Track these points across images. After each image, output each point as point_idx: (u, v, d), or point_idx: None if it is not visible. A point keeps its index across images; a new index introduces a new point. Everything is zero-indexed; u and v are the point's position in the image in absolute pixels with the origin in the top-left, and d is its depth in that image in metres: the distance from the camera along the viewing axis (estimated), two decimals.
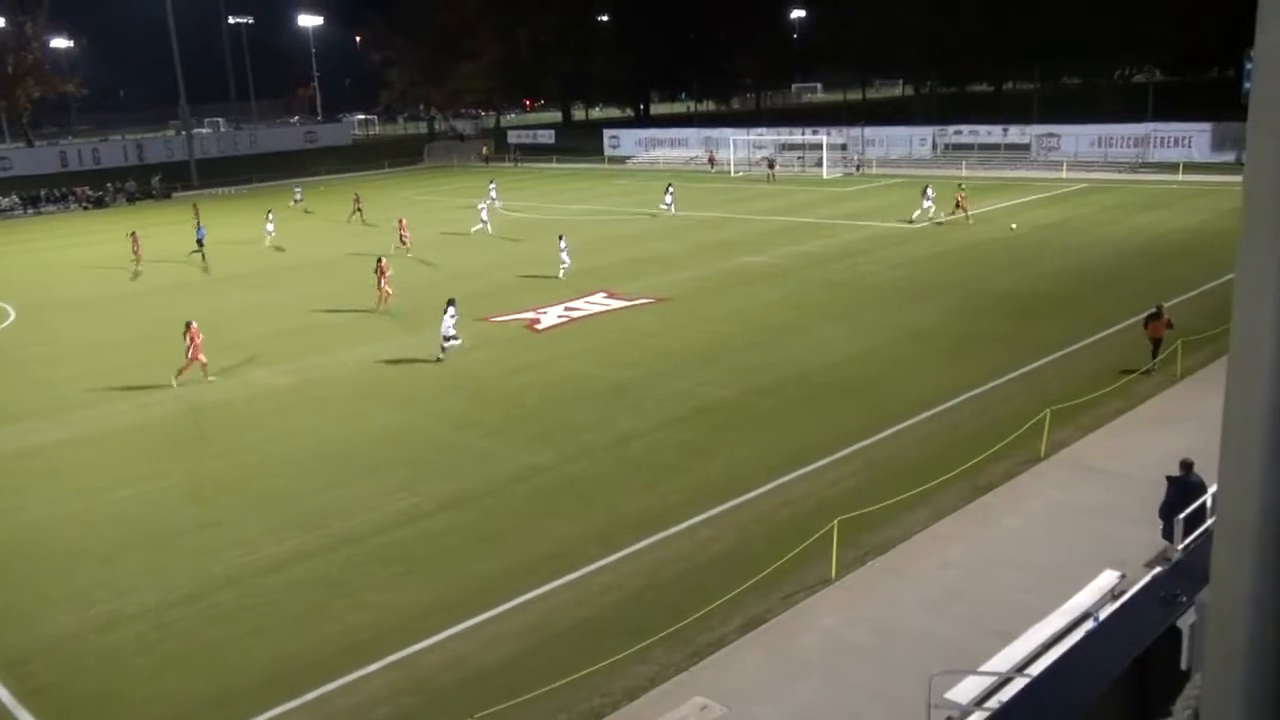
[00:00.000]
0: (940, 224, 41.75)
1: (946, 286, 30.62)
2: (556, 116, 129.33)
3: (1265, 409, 1.43)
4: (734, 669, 11.96)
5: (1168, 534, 12.61)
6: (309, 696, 11.76)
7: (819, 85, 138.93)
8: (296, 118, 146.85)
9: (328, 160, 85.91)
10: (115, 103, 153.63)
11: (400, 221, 42.39)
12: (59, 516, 17.17)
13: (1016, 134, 65.09)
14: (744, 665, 12.04)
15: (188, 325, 24.21)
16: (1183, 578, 2.61)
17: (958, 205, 42.29)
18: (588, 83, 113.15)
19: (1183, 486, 12.67)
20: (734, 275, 34.00)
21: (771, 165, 65.35)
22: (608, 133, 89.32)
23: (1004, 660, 10.39)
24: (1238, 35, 59.50)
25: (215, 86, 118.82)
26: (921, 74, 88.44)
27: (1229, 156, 55.38)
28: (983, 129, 67.17)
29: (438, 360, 24.98)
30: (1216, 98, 67.04)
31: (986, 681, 9.90)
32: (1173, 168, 54.73)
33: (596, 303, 30.78)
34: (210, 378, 24.30)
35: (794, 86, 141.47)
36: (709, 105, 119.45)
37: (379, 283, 31.09)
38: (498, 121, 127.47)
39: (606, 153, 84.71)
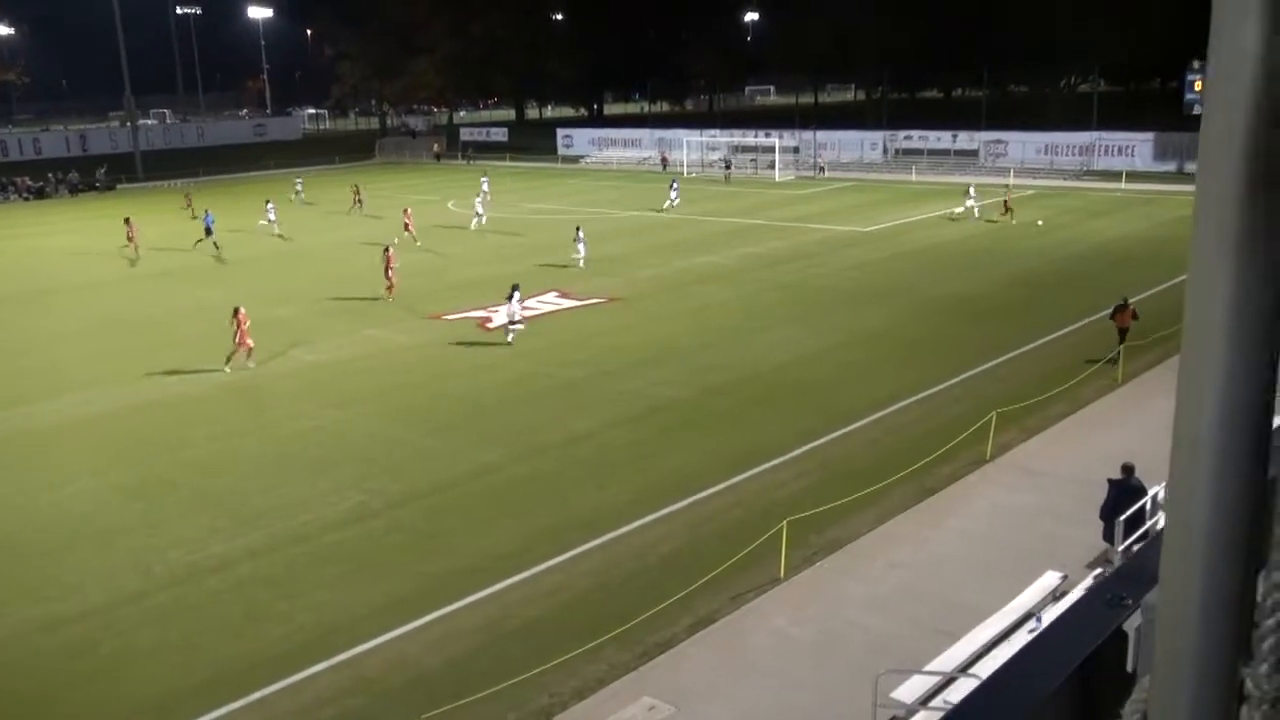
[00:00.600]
0: (992, 221, 42.86)
1: (897, 290, 30.95)
2: (510, 114, 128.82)
3: (1215, 411, 1.46)
4: (683, 669, 12.00)
5: (1108, 536, 12.85)
6: (252, 698, 11.60)
7: (772, 88, 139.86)
8: (245, 111, 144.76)
9: (277, 154, 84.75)
10: (58, 92, 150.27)
11: (405, 211, 42.76)
12: (0, 512, 16.79)
13: (965, 140, 65.93)
14: (693, 665, 12.08)
15: (235, 310, 24.23)
16: (1128, 581, 2.65)
17: (1005, 205, 43.44)
18: (541, 81, 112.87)
19: (1123, 489, 12.91)
20: (687, 275, 34.07)
21: (728, 166, 65.73)
22: (561, 132, 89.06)
23: (949, 660, 10.52)
24: (1181, 48, 60.85)
25: (162, 78, 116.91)
26: (873, 79, 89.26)
27: (1171, 166, 56.57)
28: (933, 134, 67.92)
29: (508, 343, 25.56)
30: (1159, 108, 68.54)
31: (931, 681, 10.01)
32: (1116, 176, 55.78)
33: (548, 302, 30.69)
34: (250, 364, 24.30)
35: (747, 89, 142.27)
36: (663, 106, 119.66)
37: (386, 272, 31.10)
38: (450, 118, 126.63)
39: (560, 152, 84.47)
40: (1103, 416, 19.91)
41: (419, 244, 39.67)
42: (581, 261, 35.07)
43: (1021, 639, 10.66)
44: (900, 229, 42.48)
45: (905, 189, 57.13)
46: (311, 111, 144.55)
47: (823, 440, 18.83)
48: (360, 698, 11.64)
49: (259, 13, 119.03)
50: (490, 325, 28.01)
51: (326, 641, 12.66)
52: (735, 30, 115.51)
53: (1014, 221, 42.24)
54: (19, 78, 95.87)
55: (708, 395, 21.65)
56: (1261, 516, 1.47)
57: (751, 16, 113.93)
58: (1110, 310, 23.42)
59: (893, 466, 16.86)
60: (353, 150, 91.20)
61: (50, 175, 69.75)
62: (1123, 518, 12.35)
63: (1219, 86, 1.40)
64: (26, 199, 66.52)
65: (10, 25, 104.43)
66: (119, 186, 70.72)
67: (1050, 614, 11.01)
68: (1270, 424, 1.49)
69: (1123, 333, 22.81)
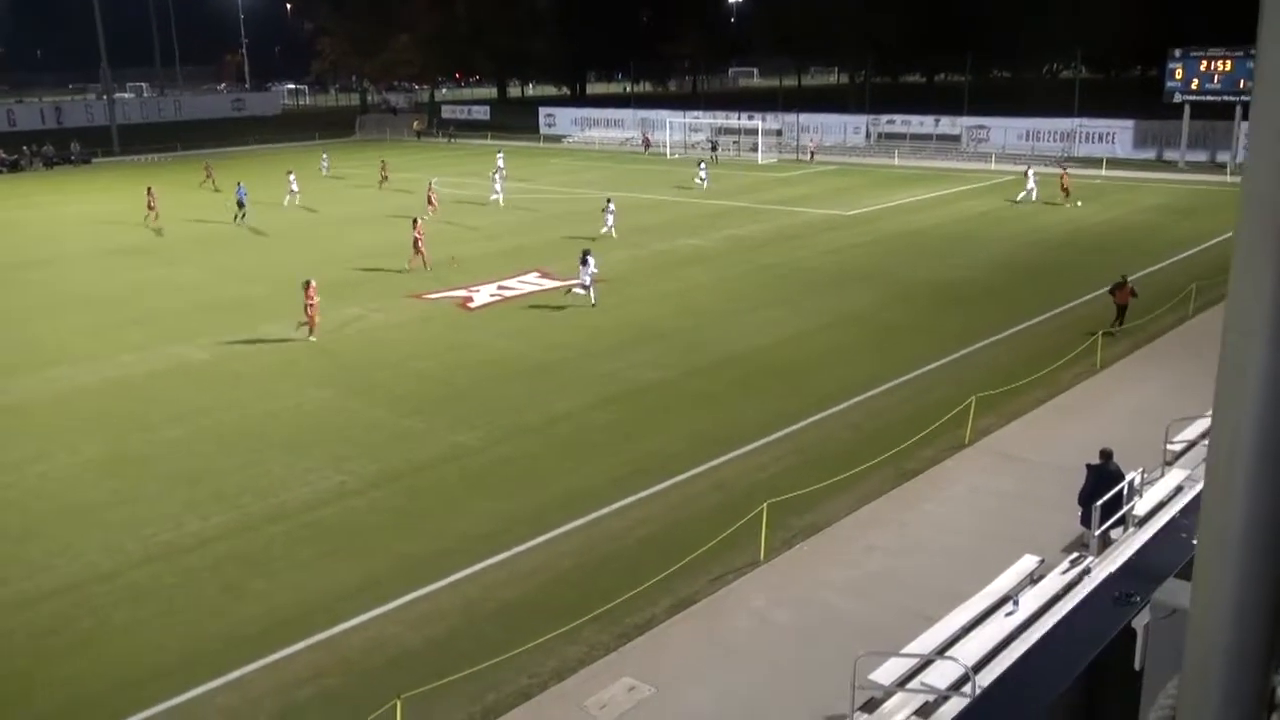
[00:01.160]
0: (1051, 204, 42.89)
1: (879, 274, 31.00)
2: (491, 92, 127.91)
3: (1254, 415, 1.44)
4: (663, 650, 12.02)
5: (1085, 520, 12.93)
6: (229, 677, 11.53)
7: (755, 70, 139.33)
8: (224, 85, 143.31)
9: (256, 130, 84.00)
10: (33, 64, 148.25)
11: (430, 184, 43.55)
12: None
13: (948, 125, 66.01)
14: (672, 646, 12.10)
15: (306, 284, 24.45)
16: (1136, 577, 2.65)
17: (1062, 187, 43.54)
18: (524, 59, 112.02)
19: (1101, 474, 12.99)
20: (668, 257, 34.02)
21: (714, 148, 65.60)
22: (543, 111, 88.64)
23: (926, 642, 10.56)
24: (1161, 36, 61.02)
25: (139, 50, 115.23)
26: (856, 62, 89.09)
27: (1150, 153, 56.89)
28: (915, 119, 67.95)
29: (565, 297, 27.07)
30: (1140, 95, 68.76)
31: (909, 663, 10.06)
32: (1097, 162, 55.99)
33: (530, 282, 30.58)
34: (311, 338, 24.38)
35: (730, 71, 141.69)
36: (645, 87, 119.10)
37: (416, 243, 31.51)
38: (432, 96, 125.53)
39: (542, 131, 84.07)
40: (1080, 402, 20.03)
41: (429, 218, 39.65)
42: (613, 232, 36.38)
43: (999, 622, 10.73)
44: (882, 213, 42.52)
45: (888, 173, 57.18)
46: (291, 87, 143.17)
47: (803, 423, 18.86)
48: (339, 677, 11.60)
49: None
50: (471, 305, 27.89)
51: (305, 620, 12.59)
52: (719, 12, 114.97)
53: (1078, 204, 42.56)
54: None
55: (689, 377, 21.64)
56: None
57: None
58: (1110, 286, 24.52)
59: (872, 450, 16.92)
60: (333, 127, 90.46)
61: (25, 148, 68.82)
62: (1099, 503, 12.43)
63: (1266, 95, 1.37)
64: (0, 172, 65.66)
65: None
66: (94, 160, 69.90)
67: (1028, 598, 11.09)
68: None
69: (1121, 309, 23.99)
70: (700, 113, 75.68)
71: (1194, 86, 52.44)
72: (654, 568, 13.22)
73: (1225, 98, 52.02)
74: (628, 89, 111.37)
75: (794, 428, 18.67)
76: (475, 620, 12.70)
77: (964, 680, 9.21)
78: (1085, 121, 61.02)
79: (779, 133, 68.63)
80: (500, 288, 29.81)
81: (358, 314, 27.01)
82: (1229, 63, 51.34)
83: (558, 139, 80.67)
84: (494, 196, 45.67)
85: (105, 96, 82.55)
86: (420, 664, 11.58)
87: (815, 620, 12.55)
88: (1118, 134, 59.45)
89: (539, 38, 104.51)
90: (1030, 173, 45.35)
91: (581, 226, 40.13)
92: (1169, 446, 15.11)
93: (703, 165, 53.22)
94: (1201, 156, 55.04)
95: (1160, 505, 13.18)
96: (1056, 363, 21.41)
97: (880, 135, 68.58)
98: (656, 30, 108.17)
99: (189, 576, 13.79)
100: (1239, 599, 1.45)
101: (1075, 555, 12.38)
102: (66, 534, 15.00)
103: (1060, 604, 10.80)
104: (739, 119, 70.45)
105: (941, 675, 9.70)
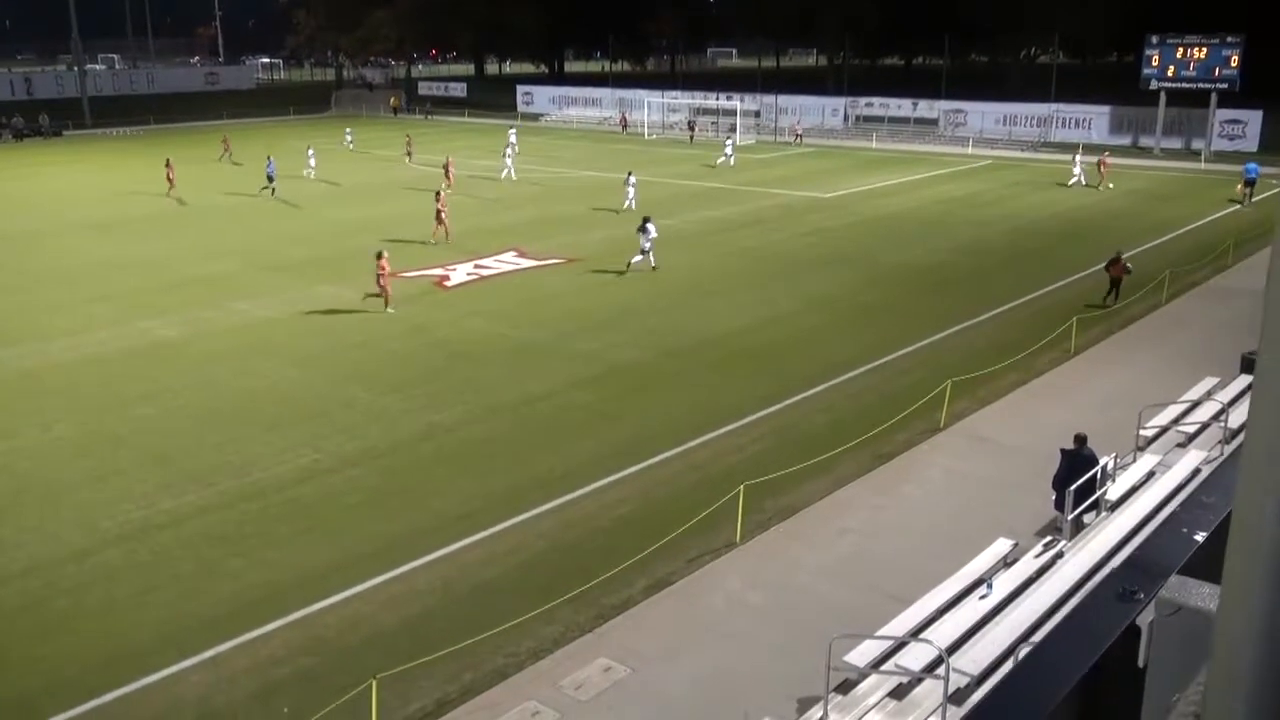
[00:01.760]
0: (1092, 188, 43.39)
1: (855, 257, 31.07)
2: (469, 69, 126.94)
3: None
4: (639, 630, 12.06)
5: (1059, 504, 13.06)
6: (204, 656, 11.48)
7: (734, 51, 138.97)
8: (197, 58, 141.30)
9: (230, 104, 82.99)
10: (2, 34, 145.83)
11: (448, 159, 44.33)
12: None
13: (925, 109, 66.09)
14: (649, 627, 12.15)
15: (379, 255, 24.85)
16: (1139, 573, 2.66)
17: (1100, 171, 44.01)
18: (502, 36, 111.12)
19: (1075, 459, 13.10)
20: None
21: (692, 127, 65.45)
22: (521, 88, 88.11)
23: (900, 625, 10.64)
24: (1138, 21, 61.29)
25: (111, 22, 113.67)
26: (835, 45, 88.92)
27: (1126, 140, 57.18)
28: (893, 102, 67.99)
29: (622, 272, 28.22)
30: (1116, 81, 69.07)
31: (883, 645, 10.14)
32: (1073, 148, 56.21)
33: (506, 261, 30.46)
34: (389, 309, 24.68)
35: (709, 51, 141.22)
36: (624, 66, 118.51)
37: (439, 215, 32.17)
38: (409, 72, 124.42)
39: (520, 109, 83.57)
40: (1054, 387, 20.20)
41: (448, 191, 39.70)
42: (633, 204, 37.06)
43: (973, 604, 10.83)
44: (860, 196, 42.60)
45: (865, 156, 57.25)
46: (265, 61, 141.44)
47: (780, 405, 18.92)
48: (314, 657, 11.58)
49: None
50: (448, 284, 27.75)
51: (280, 599, 12.55)
52: None
53: (1110, 186, 43.18)
54: None
55: (665, 359, 21.65)
56: None
57: None
58: (1105, 262, 25.86)
59: (847, 434, 16.99)
60: (308, 102, 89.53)
61: None
62: (1073, 487, 12.55)
63: None
64: None
65: None
66: (65, 133, 68.93)
67: (1001, 581, 11.20)
68: None
69: (1115, 283, 25.37)
70: (679, 93, 75.44)
71: (1170, 73, 52.76)
72: (631, 549, 13.25)
73: (1201, 85, 52.36)
74: (606, 68, 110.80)
75: (771, 409, 18.73)
76: (452, 600, 12.69)
77: (938, 662, 9.29)
78: (1062, 107, 61.26)
79: (757, 114, 68.54)
80: (477, 266, 29.68)
81: (331, 291, 26.81)
82: (1205, 50, 51.65)
83: (535, 117, 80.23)
84: (504, 173, 46.55)
85: (76, 68, 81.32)
86: (397, 644, 11.58)
87: (791, 602, 12.63)
88: (1094, 120, 59.76)
89: (517, 13, 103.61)
90: (1077, 158, 45.91)
91: (558, 206, 40.05)
92: (1142, 432, 15.26)
93: (729, 143, 53.79)
94: (1176, 143, 55.41)
95: (1132, 490, 13.33)
96: (1031, 347, 21.56)
97: (858, 118, 68.59)
98: (635, 8, 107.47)
99: (163, 555, 13.70)
100: (1269, 604, 1.45)
101: (1049, 539, 12.50)
102: (38, 512, 14.86)
103: (1040, 590, 10.91)
104: (717, 100, 70.28)
105: (916, 657, 9.78)
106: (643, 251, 28.47)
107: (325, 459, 16.64)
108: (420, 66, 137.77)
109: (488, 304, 25.77)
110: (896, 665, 9.79)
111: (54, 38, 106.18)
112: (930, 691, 9.33)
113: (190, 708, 10.75)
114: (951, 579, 11.55)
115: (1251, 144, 53.31)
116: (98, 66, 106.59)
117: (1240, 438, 14.00)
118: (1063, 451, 13.34)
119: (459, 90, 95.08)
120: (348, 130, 62.38)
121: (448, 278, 28.36)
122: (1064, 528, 12.70)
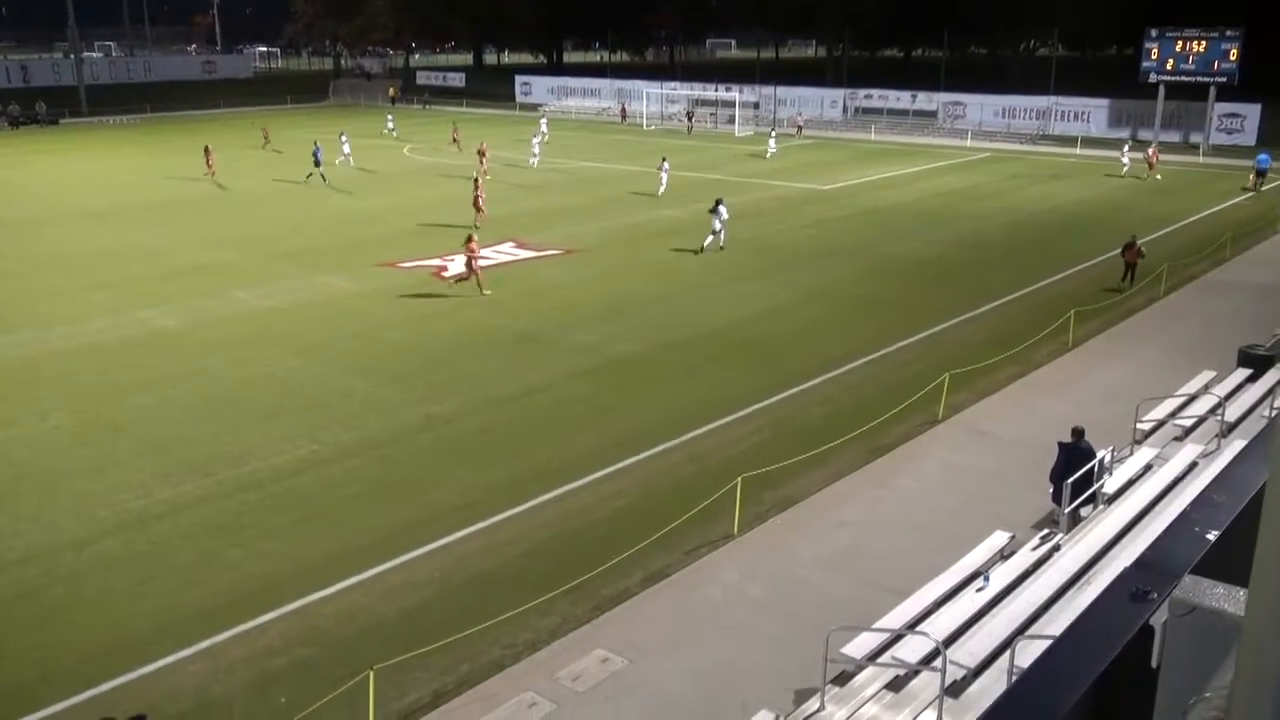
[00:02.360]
0: (1139, 179, 43.98)
1: (854, 249, 31.05)
2: (467, 59, 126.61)
3: None
4: (636, 622, 12.07)
5: (1056, 498, 13.07)
6: (201, 646, 11.48)
7: (733, 42, 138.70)
8: (194, 47, 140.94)
9: (227, 93, 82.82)
10: None
11: (482, 145, 45.87)
12: None
13: (924, 101, 66.02)
14: (646, 618, 12.16)
15: (468, 239, 25.74)
16: (1152, 573, 2.65)
17: (1149, 163, 44.55)
18: (500, 26, 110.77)
19: (1072, 452, 13.11)
20: (644, 229, 33.92)
21: (690, 117, 65.34)
22: (519, 79, 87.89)
23: (897, 617, 10.66)
24: (1138, 15, 61.20)
25: (108, 9, 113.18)
26: (834, 36, 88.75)
27: (1124, 132, 57.12)
28: (892, 94, 67.92)
29: (698, 252, 29.46)
30: (1115, 74, 68.99)
31: (880, 637, 10.16)
32: (1072, 141, 56.24)
33: (505, 252, 30.41)
34: (486, 292, 25.21)
35: (708, 42, 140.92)
36: (623, 56, 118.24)
37: (476, 200, 33.10)
38: (407, 62, 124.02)
39: (518, 99, 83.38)
40: (1052, 380, 20.20)
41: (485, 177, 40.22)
42: (663, 189, 38.83)
43: (969, 597, 10.85)
44: (859, 188, 42.57)
45: (864, 148, 57.19)
46: (263, 49, 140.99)
47: (779, 397, 18.93)
48: (311, 647, 11.58)
49: None
50: (445, 274, 27.71)
51: (277, 590, 12.55)
52: None
53: (1157, 177, 43.70)
54: None
55: (664, 350, 21.64)
56: None
57: None
58: (1121, 247, 26.68)
59: (845, 426, 16.99)
60: (306, 91, 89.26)
61: None
62: (1070, 480, 12.56)
63: None
64: None
65: None
66: (62, 121, 68.74)
67: (998, 574, 11.21)
68: None
69: (1130, 267, 26.18)
70: (677, 84, 75.28)
71: (1169, 67, 52.70)
72: (628, 540, 13.26)
73: (1199, 78, 52.31)
74: (605, 58, 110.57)
75: (769, 401, 18.73)
76: (449, 591, 12.70)
77: (935, 654, 9.31)
78: (1061, 100, 61.23)
79: (756, 105, 68.40)
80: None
81: (329, 282, 26.79)
82: (1204, 44, 51.61)
83: (533, 108, 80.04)
84: (532, 160, 47.64)
85: (73, 56, 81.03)
86: (394, 635, 11.58)
87: (788, 594, 12.65)
88: (1093, 113, 59.73)
89: (515, 2, 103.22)
90: (1126, 149, 46.88)
91: (556, 196, 40.01)
92: (1139, 425, 15.28)
93: (774, 134, 55.33)
94: (1175, 137, 55.38)
95: (1130, 483, 13.35)
96: (1030, 340, 21.57)
97: (857, 110, 68.51)
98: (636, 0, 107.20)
99: (161, 545, 13.69)
100: None
101: (1045, 532, 12.52)
102: (35, 501, 14.86)
103: (1037, 583, 10.93)
104: (716, 91, 70.14)
105: (912, 650, 9.81)
106: (713, 232, 29.49)
107: (323, 449, 16.63)
108: (418, 56, 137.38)
109: (486, 295, 25.72)
110: (893, 657, 9.82)
111: (51, 25, 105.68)
112: (927, 684, 9.34)
113: (187, 697, 10.75)
114: (948, 572, 11.57)
115: (1250, 138, 53.39)
116: (94, 54, 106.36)
117: (1238, 435, 14.01)
118: (1060, 445, 13.35)
119: (457, 80, 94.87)
120: (389, 117, 64.00)
121: (445, 268, 28.31)
122: (1061, 521, 12.72)
